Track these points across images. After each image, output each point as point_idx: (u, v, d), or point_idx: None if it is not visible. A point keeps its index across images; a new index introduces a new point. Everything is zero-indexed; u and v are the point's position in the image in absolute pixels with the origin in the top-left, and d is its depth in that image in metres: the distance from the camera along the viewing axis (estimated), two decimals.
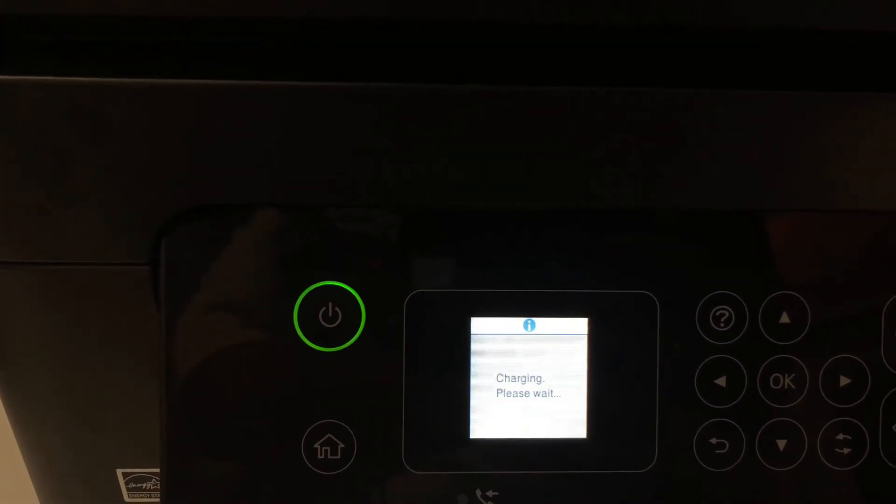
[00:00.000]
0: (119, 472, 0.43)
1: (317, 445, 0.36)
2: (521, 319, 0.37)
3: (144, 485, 0.43)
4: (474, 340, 0.37)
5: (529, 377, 0.37)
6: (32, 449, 0.43)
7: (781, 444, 0.37)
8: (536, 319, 0.37)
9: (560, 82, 0.35)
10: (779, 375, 0.37)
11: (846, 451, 0.37)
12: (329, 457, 0.36)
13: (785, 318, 0.37)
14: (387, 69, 0.34)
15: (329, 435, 0.36)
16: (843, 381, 0.37)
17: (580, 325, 0.37)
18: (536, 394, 0.37)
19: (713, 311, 0.37)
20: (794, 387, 0.37)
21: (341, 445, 0.36)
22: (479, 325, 0.37)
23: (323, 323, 0.36)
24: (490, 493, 0.37)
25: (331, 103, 0.34)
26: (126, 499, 0.44)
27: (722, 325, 0.37)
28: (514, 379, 0.37)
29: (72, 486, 0.44)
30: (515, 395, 0.37)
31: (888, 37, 0.34)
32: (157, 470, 0.39)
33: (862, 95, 0.36)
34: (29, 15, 0.32)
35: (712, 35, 0.35)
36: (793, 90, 0.35)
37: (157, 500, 0.40)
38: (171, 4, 0.32)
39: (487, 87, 0.34)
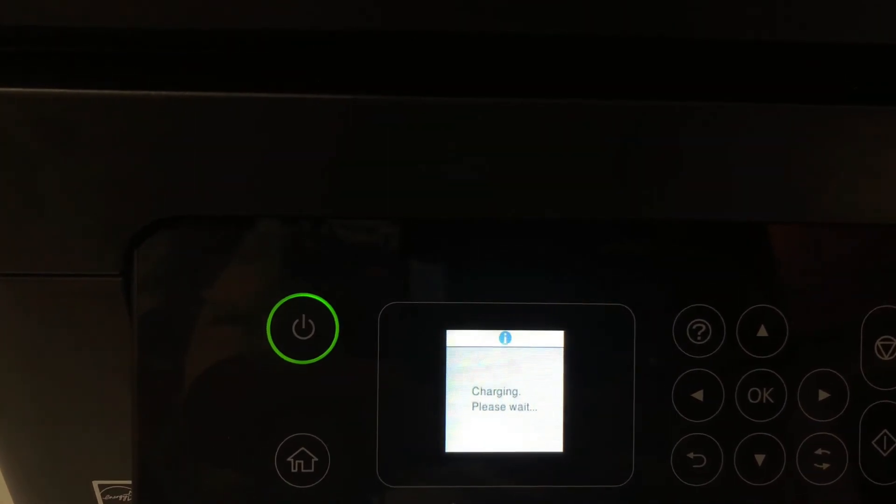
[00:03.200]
0: (95, 483, 0.43)
1: (290, 459, 0.36)
2: (497, 332, 0.37)
3: (121, 497, 0.43)
4: (450, 353, 0.36)
5: (505, 390, 0.37)
6: (8, 460, 0.42)
7: (760, 458, 0.37)
8: (512, 332, 0.37)
9: (537, 93, 0.35)
10: (757, 389, 0.37)
11: (825, 466, 0.37)
12: (302, 470, 0.36)
13: (763, 332, 0.36)
14: (356, 80, 0.34)
15: (302, 448, 0.36)
16: (822, 395, 0.37)
17: (556, 337, 0.37)
18: (512, 407, 0.37)
19: (690, 324, 0.36)
20: (772, 401, 0.37)
21: (315, 459, 0.36)
22: (454, 337, 0.36)
23: (296, 335, 0.36)
24: None
25: (302, 114, 0.34)
26: None
27: (699, 338, 0.36)
28: (489, 392, 0.37)
29: (48, 497, 0.43)
30: (491, 408, 0.37)
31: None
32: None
33: (843, 108, 0.35)
34: None
35: (702, 46, 0.34)
36: (775, 102, 0.35)
37: None
38: (142, 17, 0.32)
39: (463, 98, 0.34)
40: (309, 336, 0.36)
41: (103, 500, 0.43)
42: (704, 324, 0.36)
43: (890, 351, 0.37)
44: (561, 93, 0.35)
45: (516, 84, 0.35)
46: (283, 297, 0.36)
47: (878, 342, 0.37)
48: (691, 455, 0.37)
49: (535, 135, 0.35)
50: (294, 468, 0.36)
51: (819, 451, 0.37)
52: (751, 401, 0.37)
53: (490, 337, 0.37)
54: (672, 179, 0.35)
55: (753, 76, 0.36)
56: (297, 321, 0.36)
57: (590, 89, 0.35)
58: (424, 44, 0.34)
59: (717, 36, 0.34)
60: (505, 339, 0.37)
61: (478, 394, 0.37)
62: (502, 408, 0.37)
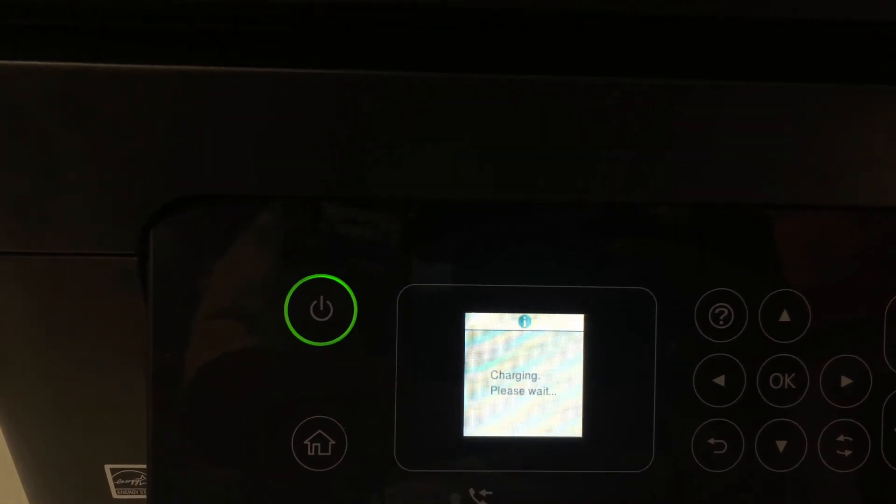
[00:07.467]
0: (107, 467, 0.42)
1: (307, 442, 0.36)
2: (517, 315, 0.36)
3: (133, 481, 0.42)
4: (468, 336, 0.36)
5: (524, 374, 0.36)
6: (20, 444, 0.42)
7: (781, 445, 0.36)
8: (532, 315, 0.36)
9: (556, 72, 0.34)
10: (779, 375, 0.36)
11: (847, 452, 0.37)
12: (319, 453, 0.36)
13: (785, 317, 0.36)
14: (375, 57, 0.34)
15: (319, 431, 0.36)
16: (845, 381, 0.36)
17: (576, 321, 0.36)
18: (531, 391, 0.36)
19: (712, 308, 0.36)
20: (794, 387, 0.36)
21: (332, 442, 0.36)
22: (473, 320, 0.36)
23: (314, 317, 0.35)
24: (483, 493, 0.36)
25: (322, 92, 0.33)
26: (114, 495, 0.43)
27: (721, 322, 0.36)
28: (508, 376, 0.36)
29: (60, 482, 0.43)
30: (510, 392, 0.36)
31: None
32: (145, 466, 0.38)
33: (865, 88, 0.35)
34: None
35: (711, 25, 0.34)
36: (794, 82, 0.35)
37: (146, 496, 0.40)
38: None
39: (482, 75, 0.34)
40: (327, 318, 0.35)
41: (115, 485, 0.43)
42: (727, 308, 0.36)
43: None
44: (578, 71, 0.34)
45: (528, 61, 0.34)
46: (301, 278, 0.35)
47: None
48: (712, 441, 0.36)
49: (557, 114, 0.34)
50: (311, 451, 0.36)
51: (841, 438, 0.37)
52: (772, 386, 0.36)
53: (509, 320, 0.36)
54: (695, 162, 0.35)
55: (780, 56, 0.35)
56: (315, 303, 0.35)
57: (609, 67, 0.34)
58: (438, 19, 0.33)
59: (738, 13, 0.33)
60: (524, 322, 0.36)
61: (496, 377, 0.36)
62: (521, 392, 0.36)
